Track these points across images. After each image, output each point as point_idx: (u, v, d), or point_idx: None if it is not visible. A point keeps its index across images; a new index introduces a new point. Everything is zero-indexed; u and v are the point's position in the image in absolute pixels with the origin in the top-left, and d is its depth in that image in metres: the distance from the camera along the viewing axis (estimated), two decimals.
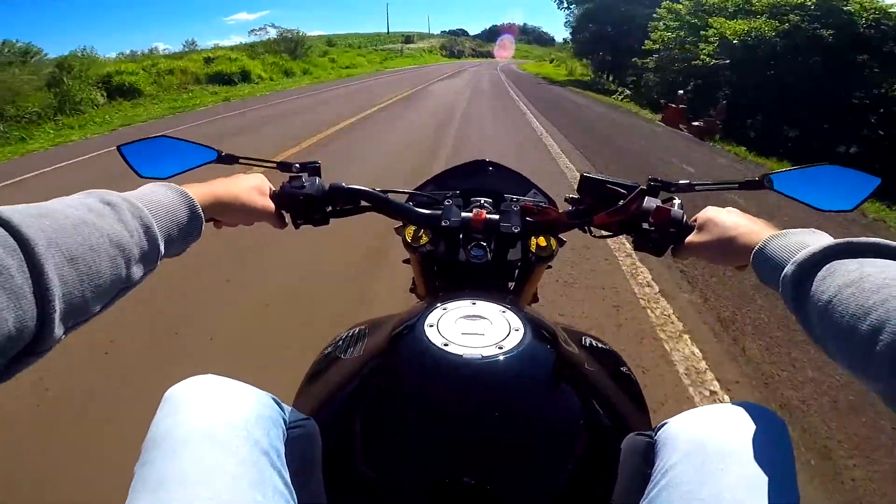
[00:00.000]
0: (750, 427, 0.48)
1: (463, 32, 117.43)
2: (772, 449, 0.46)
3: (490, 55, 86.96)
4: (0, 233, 0.33)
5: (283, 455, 0.50)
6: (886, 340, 0.34)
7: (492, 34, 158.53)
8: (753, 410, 0.50)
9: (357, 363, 0.63)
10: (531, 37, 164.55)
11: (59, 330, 0.35)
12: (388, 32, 78.68)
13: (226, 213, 0.61)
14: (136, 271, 0.44)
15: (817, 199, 0.67)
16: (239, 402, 0.50)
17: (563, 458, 0.52)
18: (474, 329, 0.56)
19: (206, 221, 0.55)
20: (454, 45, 72.33)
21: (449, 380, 0.52)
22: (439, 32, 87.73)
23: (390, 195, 0.75)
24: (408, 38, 69.35)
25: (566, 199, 0.78)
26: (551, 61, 46.75)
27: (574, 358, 0.61)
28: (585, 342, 0.70)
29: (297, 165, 0.75)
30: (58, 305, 0.34)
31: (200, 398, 0.49)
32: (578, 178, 0.73)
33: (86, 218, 0.39)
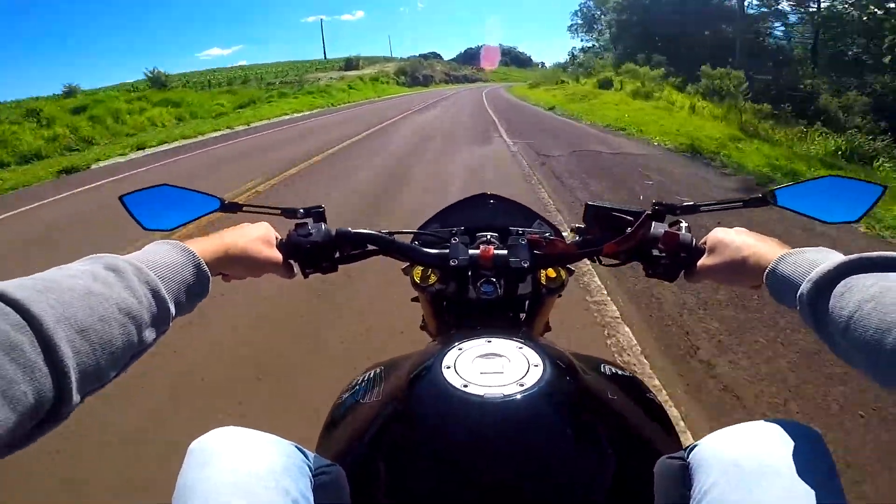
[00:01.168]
0: (785, 442, 0.48)
1: (435, 55, 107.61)
2: (811, 462, 0.47)
3: (468, 79, 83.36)
4: (8, 311, 0.35)
5: (312, 502, 0.51)
6: None
7: (467, 57, 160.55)
8: (786, 426, 0.51)
9: (377, 408, 0.63)
10: (508, 57, 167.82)
11: (76, 397, 0.37)
12: (325, 58, 62.38)
13: (233, 267, 0.62)
14: (149, 335, 0.45)
15: (822, 212, 0.69)
16: (264, 452, 0.51)
17: (597, 490, 0.53)
18: (492, 368, 0.57)
19: (214, 276, 0.57)
20: (418, 69, 61.30)
21: (472, 422, 0.53)
22: (406, 57, 74.18)
23: (396, 236, 0.77)
24: (349, 64, 54.20)
25: (572, 229, 0.79)
26: (558, 82, 38.95)
27: (596, 388, 0.63)
28: (604, 370, 0.72)
29: (302, 211, 0.76)
30: (73, 375, 0.36)
31: (225, 451, 0.50)
32: (584, 207, 0.74)
33: (92, 288, 0.41)
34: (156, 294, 0.46)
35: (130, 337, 0.42)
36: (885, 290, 0.40)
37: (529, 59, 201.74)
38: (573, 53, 48.05)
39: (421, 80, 58.34)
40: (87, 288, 0.40)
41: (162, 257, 0.50)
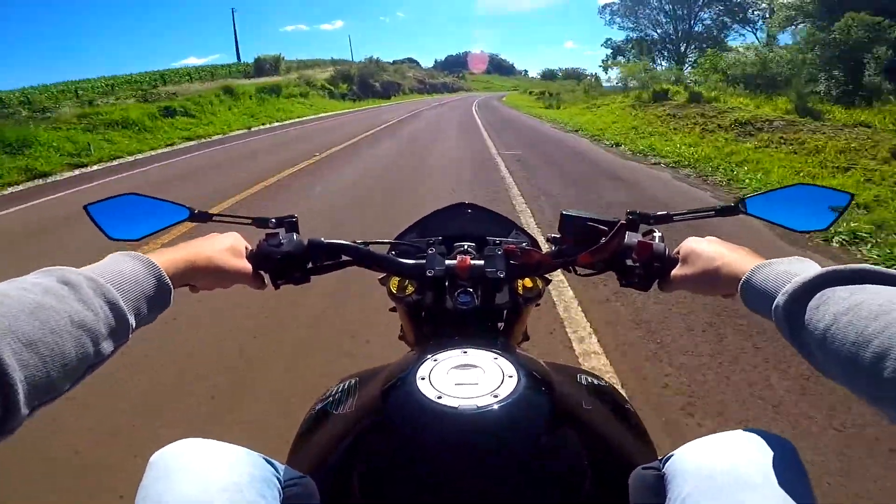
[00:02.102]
0: (759, 453, 0.50)
1: (410, 61, 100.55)
2: (784, 473, 0.48)
3: (448, 88, 79.88)
4: None
5: None
6: (893, 366, 0.36)
7: (448, 64, 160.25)
8: (760, 436, 0.52)
9: (350, 419, 0.64)
10: (491, 65, 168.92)
11: (24, 410, 0.37)
12: (238, 61, 46.46)
13: (199, 278, 0.63)
14: (106, 346, 0.46)
15: (791, 220, 0.71)
16: (229, 464, 0.51)
17: (571, 502, 0.54)
18: (467, 379, 0.58)
19: (179, 287, 0.58)
20: (374, 74, 45.06)
21: (445, 433, 0.54)
22: (363, 59, 55.71)
23: (371, 247, 0.78)
24: (261, 67, 37.80)
25: (547, 239, 0.82)
26: (543, 94, 37.16)
27: (571, 398, 0.64)
28: (581, 379, 0.74)
29: (274, 221, 0.77)
30: (20, 388, 0.37)
31: (189, 463, 0.50)
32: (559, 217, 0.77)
33: (43, 301, 0.41)
34: (113, 306, 0.46)
35: (85, 349, 0.43)
36: (861, 303, 0.41)
37: (513, 66, 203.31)
38: (611, 51, 39.57)
39: (379, 91, 43.74)
40: (36, 301, 0.41)
41: (120, 269, 0.51)
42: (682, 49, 31.65)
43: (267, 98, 24.56)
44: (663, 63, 32.14)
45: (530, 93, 54.08)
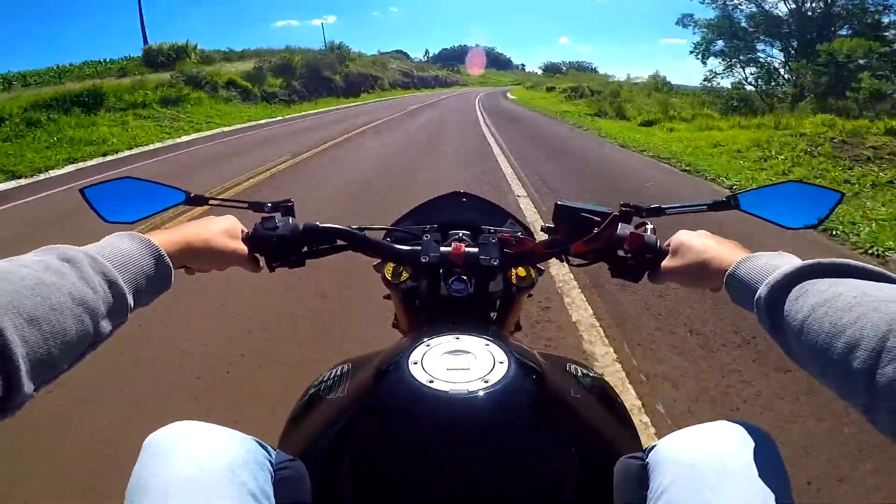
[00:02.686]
0: (740, 445, 0.52)
1: (400, 53, 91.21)
2: (763, 465, 0.50)
3: (440, 82, 68.65)
4: None
5: (272, 497, 0.53)
6: (862, 358, 0.38)
7: (443, 58, 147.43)
8: (742, 428, 0.54)
9: (342, 403, 0.67)
10: (487, 59, 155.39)
11: (28, 387, 0.38)
12: (145, 47, 27.43)
13: (196, 259, 0.65)
14: (105, 325, 0.47)
15: (783, 217, 0.73)
16: (222, 446, 0.53)
17: (557, 487, 0.57)
18: (459, 364, 0.60)
19: (176, 269, 0.58)
20: (328, 65, 31.20)
21: (435, 416, 0.56)
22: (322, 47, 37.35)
23: (367, 232, 0.80)
24: (153, 60, 24.97)
25: (542, 229, 0.84)
26: (575, 92, 29.89)
27: (560, 386, 0.66)
28: (570, 369, 0.76)
29: (270, 205, 0.78)
30: (22, 365, 0.37)
31: (182, 444, 0.52)
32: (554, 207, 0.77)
33: (44, 278, 0.42)
34: (112, 285, 0.48)
35: (85, 327, 0.44)
36: (838, 296, 0.43)
37: (509, 60, 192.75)
38: (699, 43, 23.73)
39: (341, 88, 31.03)
40: (38, 278, 0.42)
41: (120, 248, 0.52)
42: (810, 35, 18.44)
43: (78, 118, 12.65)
44: (774, 55, 21.60)
45: (550, 89, 44.40)
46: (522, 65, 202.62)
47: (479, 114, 19.34)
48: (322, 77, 29.73)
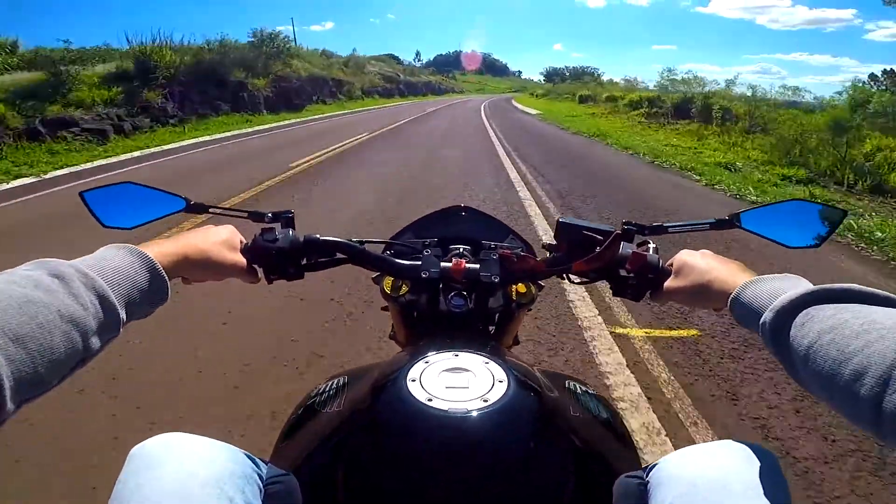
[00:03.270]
0: (742, 464, 0.53)
1: (391, 57, 78.90)
2: (766, 484, 0.50)
3: (433, 89, 58.90)
4: None
5: None
6: (869, 385, 0.39)
7: (436, 64, 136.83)
8: (744, 447, 0.55)
9: (338, 418, 0.67)
10: (483, 65, 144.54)
11: (10, 405, 0.38)
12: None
13: (193, 270, 0.64)
14: (95, 342, 0.47)
15: (785, 236, 0.73)
16: (210, 459, 0.52)
17: None
18: (458, 382, 0.60)
19: (172, 279, 0.59)
20: (242, 61, 19.81)
21: (434, 436, 0.56)
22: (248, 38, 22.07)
23: (367, 245, 0.81)
24: None
25: (543, 246, 0.85)
26: (646, 109, 21.60)
27: (559, 405, 0.67)
28: (569, 386, 0.77)
29: (270, 215, 0.79)
30: (7, 384, 0.37)
31: (169, 456, 0.51)
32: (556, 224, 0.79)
33: (31, 296, 0.42)
34: (103, 300, 0.48)
35: (74, 344, 0.44)
36: (843, 323, 0.44)
37: (506, 66, 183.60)
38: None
39: (266, 100, 20.09)
40: (25, 295, 0.42)
41: (115, 262, 0.52)
42: None
43: None
44: None
45: (583, 99, 34.84)
46: (519, 71, 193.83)
47: (514, 169, 8.56)
48: (229, 83, 18.28)
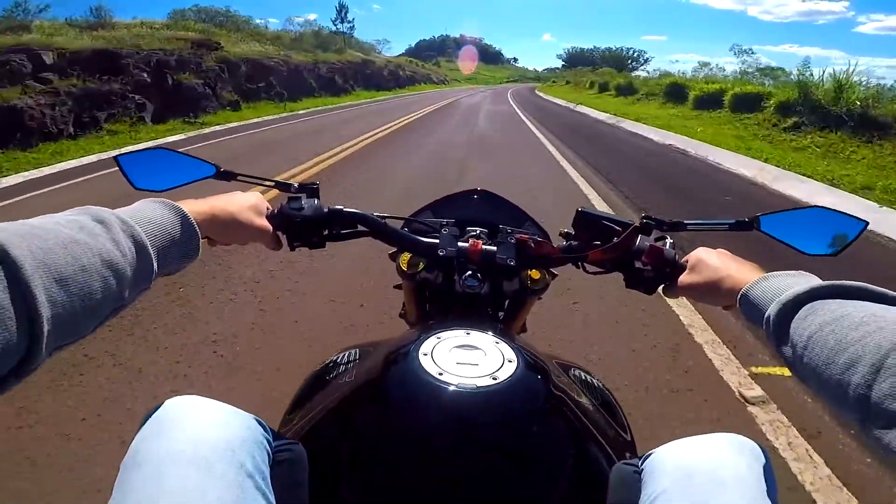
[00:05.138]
0: (733, 457, 0.56)
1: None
2: (755, 477, 0.54)
3: (401, 81, 41.80)
4: None
5: (269, 478, 0.56)
6: (861, 373, 0.41)
7: (420, 50, 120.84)
8: (736, 441, 0.59)
9: (348, 388, 0.70)
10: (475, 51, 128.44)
11: (45, 350, 0.39)
12: None
13: (220, 231, 0.68)
14: (129, 290, 0.49)
15: (803, 242, 0.75)
16: (223, 424, 0.55)
17: (553, 488, 0.60)
18: (468, 359, 0.63)
19: (201, 238, 0.63)
20: None
21: (442, 409, 0.59)
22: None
23: (388, 221, 0.85)
24: None
25: (560, 234, 0.88)
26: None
27: (564, 389, 0.70)
28: (574, 373, 0.82)
29: (296, 185, 0.83)
30: (46, 327, 0.38)
31: (183, 419, 0.54)
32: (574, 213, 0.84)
33: (77, 237, 0.44)
34: (141, 249, 0.50)
35: (110, 290, 0.45)
36: (846, 315, 0.46)
37: (500, 53, 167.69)
38: None
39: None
40: (71, 237, 0.43)
41: (152, 214, 0.55)
42: None
43: None
44: None
45: (622, 89, 24.90)
46: (514, 58, 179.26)
47: None
48: None
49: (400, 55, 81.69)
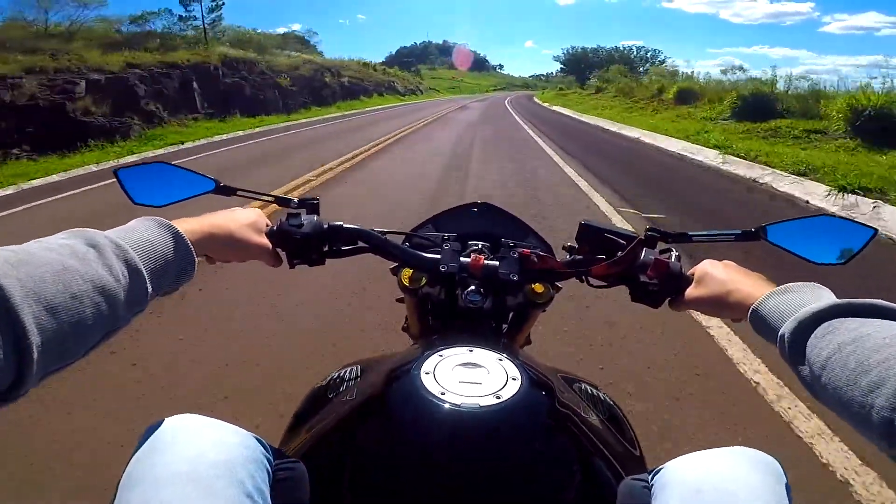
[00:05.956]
0: (746, 471, 0.56)
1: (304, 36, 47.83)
2: (769, 492, 0.54)
3: (387, 88, 33.60)
4: None
5: (269, 498, 0.56)
6: (885, 396, 0.41)
7: (399, 57, 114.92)
8: (748, 454, 0.59)
9: (349, 407, 0.71)
10: (456, 59, 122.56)
11: (35, 376, 0.40)
12: None
13: (218, 249, 0.68)
14: (123, 314, 0.50)
15: (810, 252, 0.75)
16: (222, 442, 0.55)
17: None
18: (471, 377, 0.63)
19: (197, 257, 0.63)
20: None
21: (446, 429, 0.59)
22: None
23: (388, 236, 0.86)
24: None
25: (564, 248, 0.89)
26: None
27: (570, 405, 0.71)
28: (580, 388, 0.82)
29: (296, 201, 0.84)
30: (35, 354, 0.39)
31: (182, 437, 0.54)
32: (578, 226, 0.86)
33: (67, 264, 0.44)
34: (134, 273, 0.50)
35: (102, 316, 0.46)
36: (867, 335, 0.46)
37: (485, 60, 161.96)
38: None
39: None
40: (62, 263, 0.43)
41: (146, 235, 0.55)
42: None
43: None
44: None
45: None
46: (500, 65, 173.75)
47: None
48: None
49: (380, 63, 72.33)
